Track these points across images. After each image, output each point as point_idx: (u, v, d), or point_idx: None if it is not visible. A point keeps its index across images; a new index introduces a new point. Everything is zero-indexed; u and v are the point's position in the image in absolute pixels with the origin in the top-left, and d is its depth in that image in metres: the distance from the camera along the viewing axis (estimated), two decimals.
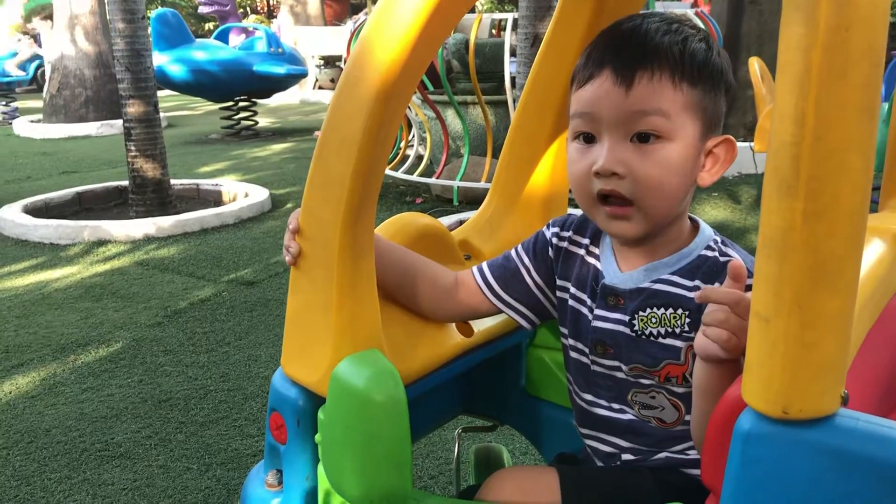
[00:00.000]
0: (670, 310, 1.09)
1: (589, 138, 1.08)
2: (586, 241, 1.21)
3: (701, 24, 1.15)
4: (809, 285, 0.68)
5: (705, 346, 0.90)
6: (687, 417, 1.09)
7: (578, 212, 1.21)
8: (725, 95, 1.10)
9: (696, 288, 1.07)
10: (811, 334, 0.69)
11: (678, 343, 1.09)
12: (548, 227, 1.26)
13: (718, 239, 1.13)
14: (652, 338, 1.10)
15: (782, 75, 0.67)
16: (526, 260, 1.25)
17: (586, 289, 1.18)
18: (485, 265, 1.28)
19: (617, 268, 1.16)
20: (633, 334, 1.11)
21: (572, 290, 1.20)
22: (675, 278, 1.10)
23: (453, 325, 1.32)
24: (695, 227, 1.14)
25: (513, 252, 1.27)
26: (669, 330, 1.09)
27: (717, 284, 1.02)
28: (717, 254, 1.10)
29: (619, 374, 1.15)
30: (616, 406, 1.17)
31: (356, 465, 1.02)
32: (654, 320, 1.10)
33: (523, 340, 1.47)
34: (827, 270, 0.68)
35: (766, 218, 0.70)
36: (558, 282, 1.22)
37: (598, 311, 1.15)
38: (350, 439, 1.02)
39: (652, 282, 1.11)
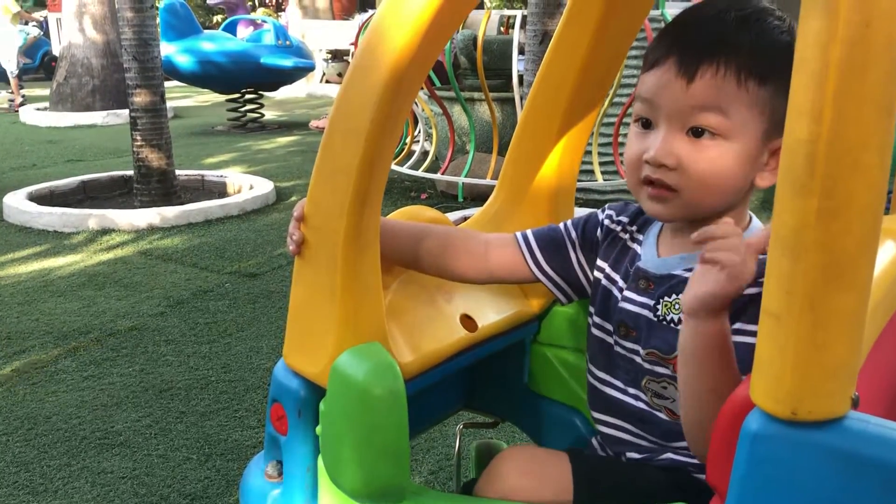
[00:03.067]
0: None
1: (647, 124, 1.07)
2: (634, 228, 1.22)
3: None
4: (822, 284, 0.67)
5: (697, 285, 0.91)
6: None
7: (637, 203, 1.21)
8: None
9: None
10: (823, 334, 0.68)
11: None
12: (603, 211, 1.27)
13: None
14: (672, 324, 1.10)
15: (799, 71, 0.66)
16: (574, 235, 1.26)
17: (621, 270, 1.19)
18: (529, 233, 1.28)
19: (655, 254, 1.16)
20: (655, 319, 1.11)
21: (608, 270, 1.21)
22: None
23: (458, 320, 1.31)
24: (748, 223, 1.12)
25: (561, 226, 1.28)
26: None
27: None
28: None
29: (637, 359, 1.15)
30: (631, 391, 1.17)
31: (354, 457, 1.01)
32: (676, 307, 1.09)
33: (527, 337, 1.46)
34: (840, 269, 0.67)
35: (778, 216, 0.69)
36: (598, 262, 1.23)
37: (626, 293, 1.16)
38: (349, 432, 1.02)
39: (684, 270, 1.10)
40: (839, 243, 0.66)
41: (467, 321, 1.32)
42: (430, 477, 2.28)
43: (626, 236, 1.22)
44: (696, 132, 1.02)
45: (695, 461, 1.10)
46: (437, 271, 1.27)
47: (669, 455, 1.13)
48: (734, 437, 0.77)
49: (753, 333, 0.95)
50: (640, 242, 1.20)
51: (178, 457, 2.42)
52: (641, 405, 1.15)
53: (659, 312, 1.11)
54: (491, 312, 1.35)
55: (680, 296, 1.07)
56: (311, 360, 1.10)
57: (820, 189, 0.65)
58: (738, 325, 1.00)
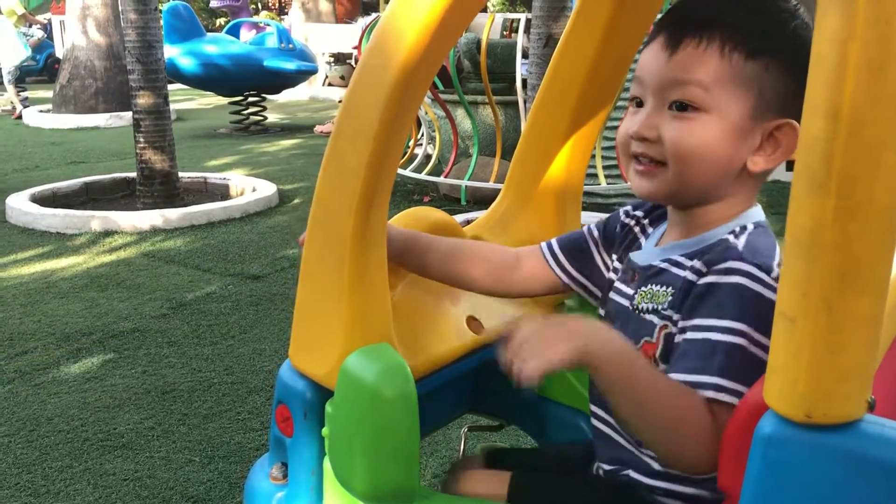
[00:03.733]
0: (664, 287, 1.06)
1: (639, 103, 1.06)
2: (646, 221, 1.21)
3: None
4: (838, 286, 0.66)
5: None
6: None
7: None
8: (803, 76, 1.01)
9: (692, 269, 1.02)
10: (838, 337, 0.68)
11: (655, 319, 1.05)
12: (624, 207, 1.27)
13: (751, 225, 1.04)
14: (641, 313, 1.08)
15: (815, 69, 0.65)
16: (596, 234, 1.26)
17: (623, 262, 1.18)
18: (553, 241, 1.28)
19: (653, 245, 1.15)
20: (630, 309, 1.10)
21: (615, 263, 1.21)
22: (681, 258, 1.06)
23: (464, 322, 1.30)
24: (740, 211, 1.07)
25: (584, 228, 1.28)
26: (654, 306, 1.06)
27: (712, 268, 0.98)
28: (733, 237, 1.02)
29: None
30: None
31: (364, 459, 1.00)
32: (648, 296, 1.07)
33: None
34: (857, 271, 0.66)
35: (794, 216, 0.68)
36: (613, 256, 1.23)
37: (616, 284, 1.16)
38: (358, 434, 1.01)
39: (661, 260, 1.08)
40: (856, 244, 0.65)
41: (473, 323, 1.32)
42: (433, 480, 2.27)
43: (638, 229, 1.21)
44: (680, 106, 1.00)
45: (649, 482, 1.07)
46: (470, 287, 1.28)
47: (631, 471, 1.11)
48: (747, 440, 0.76)
49: (711, 328, 0.94)
50: (647, 236, 1.19)
51: (181, 459, 2.41)
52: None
53: (634, 303, 1.09)
54: (497, 314, 1.35)
55: (653, 286, 1.07)
56: (317, 361, 1.09)
57: (837, 188, 0.64)
58: (687, 322, 0.98)
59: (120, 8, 5.47)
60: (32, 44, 13.23)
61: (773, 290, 0.92)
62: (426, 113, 6.33)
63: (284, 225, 5.25)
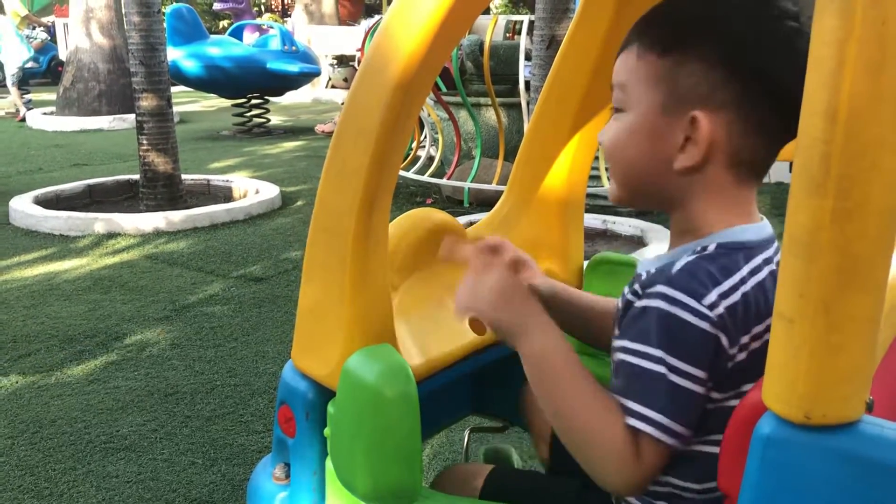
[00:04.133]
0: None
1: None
2: None
3: None
4: (837, 287, 0.67)
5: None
6: None
7: None
8: (725, 67, 0.94)
9: (632, 290, 1.01)
10: (837, 337, 0.68)
11: (616, 331, 1.04)
12: None
13: (713, 246, 0.96)
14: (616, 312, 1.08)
15: (813, 70, 0.66)
16: None
17: None
18: None
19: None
20: (618, 311, 1.08)
21: None
22: (654, 270, 1.01)
23: (466, 322, 1.30)
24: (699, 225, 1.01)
25: None
26: (617, 316, 1.05)
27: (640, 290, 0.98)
28: (686, 256, 0.96)
29: None
30: None
31: (366, 460, 1.00)
32: (620, 305, 1.06)
33: None
34: (855, 272, 0.66)
35: (792, 217, 0.68)
36: None
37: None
38: (360, 434, 1.01)
39: (645, 270, 1.05)
40: (854, 245, 0.65)
41: (476, 324, 1.32)
42: None
43: None
44: (615, 111, 1.04)
45: None
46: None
47: None
48: (746, 440, 0.76)
49: (634, 352, 0.91)
50: None
51: (184, 461, 2.41)
52: None
53: (619, 306, 1.08)
54: None
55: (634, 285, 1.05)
56: (319, 361, 1.09)
57: (835, 189, 0.64)
58: (618, 342, 0.96)
59: (123, 10, 5.48)
60: (36, 46, 13.26)
61: (702, 316, 0.89)
62: (429, 115, 6.34)
63: (287, 227, 5.26)
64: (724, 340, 0.90)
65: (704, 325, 0.89)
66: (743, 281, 0.93)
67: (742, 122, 0.94)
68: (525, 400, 1.41)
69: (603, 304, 1.26)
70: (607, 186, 5.02)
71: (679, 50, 0.96)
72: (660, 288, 0.92)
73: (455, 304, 1.05)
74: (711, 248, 0.96)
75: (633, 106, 1.00)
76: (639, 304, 0.95)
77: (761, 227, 1.00)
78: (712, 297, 0.90)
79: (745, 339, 0.91)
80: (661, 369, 0.89)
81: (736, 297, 0.91)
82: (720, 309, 0.89)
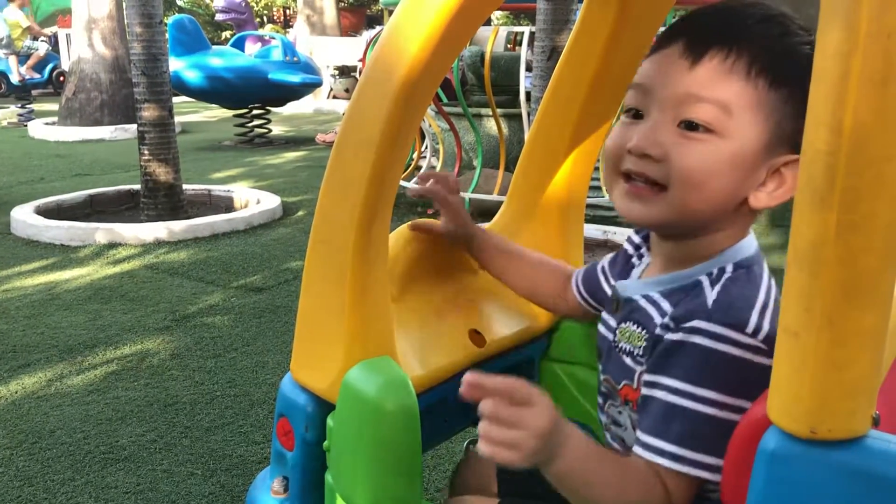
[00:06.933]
0: (639, 328, 1.00)
1: (637, 115, 0.95)
2: (643, 249, 1.14)
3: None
4: (842, 300, 0.66)
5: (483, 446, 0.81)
6: None
7: None
8: None
9: (662, 324, 0.95)
10: (842, 352, 0.67)
11: (631, 363, 1.00)
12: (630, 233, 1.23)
13: (730, 267, 0.95)
14: (622, 353, 1.02)
15: (818, 83, 0.65)
16: (606, 261, 1.23)
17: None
18: (580, 270, 1.28)
19: (637, 276, 1.10)
20: (612, 345, 1.05)
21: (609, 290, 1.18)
22: (656, 295, 0.99)
23: (466, 335, 1.29)
24: (733, 244, 0.98)
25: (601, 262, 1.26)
26: (631, 349, 1.00)
27: (670, 316, 0.93)
28: (707, 283, 0.94)
29: (602, 384, 1.10)
30: (603, 417, 1.12)
31: (366, 473, 1.00)
32: (626, 335, 1.02)
33: (536, 353, 1.45)
34: (861, 285, 0.65)
35: (797, 230, 0.68)
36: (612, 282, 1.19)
37: (603, 315, 1.12)
38: (360, 447, 1.00)
39: (641, 296, 1.01)
40: (860, 259, 0.65)
41: (476, 336, 1.31)
42: (437, 494, 2.26)
43: (635, 257, 1.16)
44: (690, 125, 0.90)
45: None
46: (525, 294, 1.33)
47: None
48: (750, 456, 0.75)
49: (674, 391, 0.88)
50: (639, 261, 1.13)
51: (183, 472, 2.40)
52: (606, 432, 1.11)
53: (616, 338, 1.04)
54: (500, 328, 1.34)
55: (632, 324, 1.01)
56: (319, 374, 1.08)
57: (840, 202, 0.64)
58: (652, 378, 0.92)
59: (126, 21, 5.50)
60: (36, 58, 13.29)
61: (748, 347, 0.86)
62: (430, 125, 6.34)
63: (288, 237, 5.25)
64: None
65: (751, 355, 0.86)
66: (769, 291, 0.93)
67: None
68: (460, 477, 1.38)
69: (530, 256, 1.31)
70: (607, 196, 4.98)
71: (790, 84, 0.89)
72: (698, 324, 0.89)
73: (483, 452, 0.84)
74: (729, 268, 0.95)
75: (735, 134, 0.89)
76: (673, 337, 0.91)
77: (753, 237, 1.00)
78: (753, 320, 0.88)
79: None
80: (706, 409, 0.86)
81: (771, 308, 0.90)
82: (765, 329, 0.87)
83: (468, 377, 0.81)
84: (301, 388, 1.13)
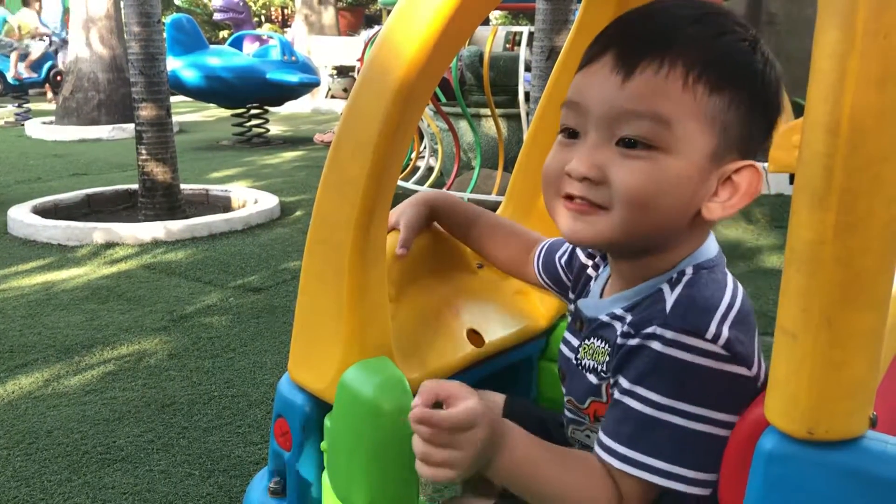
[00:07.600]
0: (603, 343, 0.97)
1: (573, 134, 0.91)
2: (600, 265, 1.11)
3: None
4: (839, 301, 0.66)
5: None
6: None
7: None
8: (764, 116, 0.88)
9: (622, 332, 0.92)
10: (840, 352, 0.67)
11: (594, 379, 0.98)
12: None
13: (690, 270, 0.91)
14: (585, 371, 0.99)
15: (815, 83, 0.65)
16: (563, 257, 1.20)
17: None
18: (549, 240, 1.27)
19: (599, 294, 1.05)
20: (574, 363, 1.02)
21: (571, 306, 1.15)
22: (621, 311, 0.96)
23: (464, 335, 1.29)
24: (689, 253, 0.94)
25: (561, 250, 1.22)
26: (595, 365, 0.98)
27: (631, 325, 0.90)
28: (668, 288, 0.90)
29: (566, 406, 1.07)
30: (569, 437, 1.09)
31: (363, 474, 0.99)
32: (590, 352, 0.99)
33: (535, 353, 1.45)
34: (858, 286, 0.66)
35: (794, 231, 0.68)
36: (571, 295, 1.17)
37: (566, 334, 1.09)
38: (357, 448, 1.00)
39: (607, 314, 0.98)
40: (857, 259, 0.65)
41: (474, 336, 1.31)
42: (434, 494, 2.26)
43: (592, 272, 1.12)
44: (629, 143, 0.85)
45: None
46: (493, 263, 1.35)
47: None
48: (748, 457, 0.75)
49: (629, 393, 0.86)
50: (597, 275, 1.10)
51: (180, 472, 2.39)
52: None
53: (578, 356, 1.01)
54: (498, 328, 1.34)
55: (596, 340, 0.98)
56: (316, 375, 1.08)
57: (838, 203, 0.64)
58: (618, 380, 0.90)
59: (123, 20, 5.49)
60: (32, 58, 13.27)
61: (706, 353, 0.83)
62: (428, 125, 6.34)
63: (286, 237, 5.25)
64: (740, 369, 0.84)
65: (709, 361, 0.83)
66: (734, 293, 0.89)
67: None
68: None
69: (487, 217, 1.33)
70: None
71: (732, 88, 0.86)
72: (655, 329, 0.86)
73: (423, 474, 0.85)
74: (689, 272, 0.91)
75: (678, 147, 0.84)
76: (631, 343, 0.88)
77: (713, 239, 0.97)
78: (713, 326, 0.84)
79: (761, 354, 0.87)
80: (656, 413, 0.84)
81: (733, 313, 0.86)
82: (724, 335, 0.83)
83: (415, 412, 0.83)
84: (299, 388, 1.12)
